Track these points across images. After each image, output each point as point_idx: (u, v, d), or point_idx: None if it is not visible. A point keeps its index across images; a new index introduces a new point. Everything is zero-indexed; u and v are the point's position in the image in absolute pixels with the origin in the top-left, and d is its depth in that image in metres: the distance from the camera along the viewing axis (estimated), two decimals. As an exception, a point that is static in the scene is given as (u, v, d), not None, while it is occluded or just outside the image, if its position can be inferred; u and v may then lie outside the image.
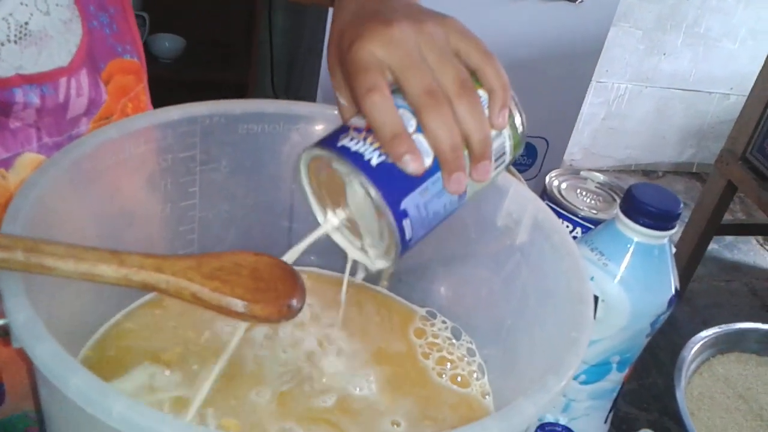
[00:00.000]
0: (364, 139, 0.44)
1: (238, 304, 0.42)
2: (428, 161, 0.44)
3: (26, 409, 0.66)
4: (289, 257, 0.48)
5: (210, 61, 2.25)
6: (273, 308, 0.44)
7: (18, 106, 0.57)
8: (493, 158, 0.47)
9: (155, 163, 0.54)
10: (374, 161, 0.43)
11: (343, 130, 0.46)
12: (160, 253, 0.42)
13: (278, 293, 0.45)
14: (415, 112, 0.44)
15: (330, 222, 0.49)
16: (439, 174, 0.45)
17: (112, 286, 0.41)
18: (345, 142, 0.44)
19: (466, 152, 0.45)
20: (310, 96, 1.96)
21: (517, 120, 0.48)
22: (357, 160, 0.43)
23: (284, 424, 0.50)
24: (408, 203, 0.44)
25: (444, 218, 0.47)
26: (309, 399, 0.52)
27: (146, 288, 0.41)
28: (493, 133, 0.46)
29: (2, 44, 0.55)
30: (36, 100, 0.58)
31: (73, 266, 0.39)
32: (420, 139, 0.44)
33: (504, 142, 0.48)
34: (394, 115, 0.44)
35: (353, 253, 0.50)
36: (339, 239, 0.50)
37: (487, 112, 0.46)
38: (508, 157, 0.49)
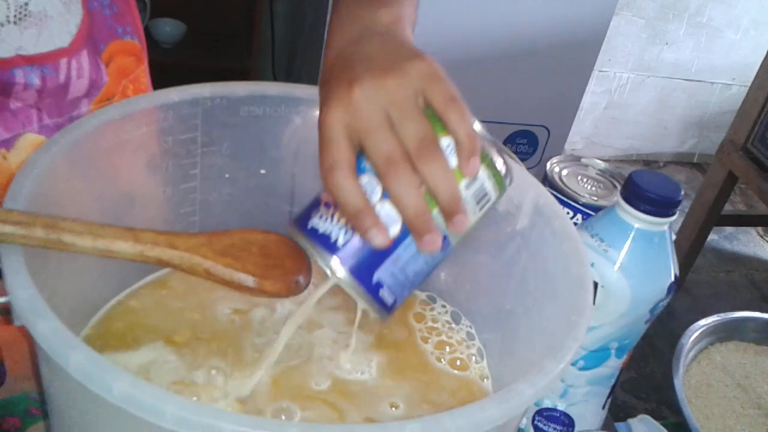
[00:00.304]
0: (332, 216, 0.45)
1: (249, 280, 0.44)
2: (396, 229, 0.44)
3: (27, 390, 0.67)
4: (303, 310, 0.49)
5: (211, 47, 2.25)
6: (282, 284, 0.46)
7: (18, 86, 0.57)
8: (473, 202, 0.46)
9: (156, 144, 0.54)
10: (341, 240, 0.44)
11: (315, 205, 0.46)
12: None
13: (286, 269, 0.46)
14: (380, 179, 0.44)
15: (336, 275, 0.48)
16: (410, 238, 0.45)
17: (125, 262, 0.42)
18: (314, 221, 0.45)
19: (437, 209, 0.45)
20: (310, 83, 1.96)
21: (497, 162, 0.47)
22: (325, 242, 0.44)
23: (281, 403, 0.50)
24: (381, 275, 0.45)
25: (430, 272, 0.47)
26: (306, 379, 0.53)
27: (160, 263, 0.42)
28: (467, 180, 0.46)
29: (2, 25, 0.55)
30: (37, 81, 0.58)
31: (91, 243, 0.40)
32: (387, 208, 0.44)
33: (483, 184, 0.46)
34: (356, 191, 0.44)
35: (361, 302, 0.50)
36: (348, 289, 0.51)
37: (454, 162, 0.45)
38: (493, 197, 0.48)
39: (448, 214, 0.45)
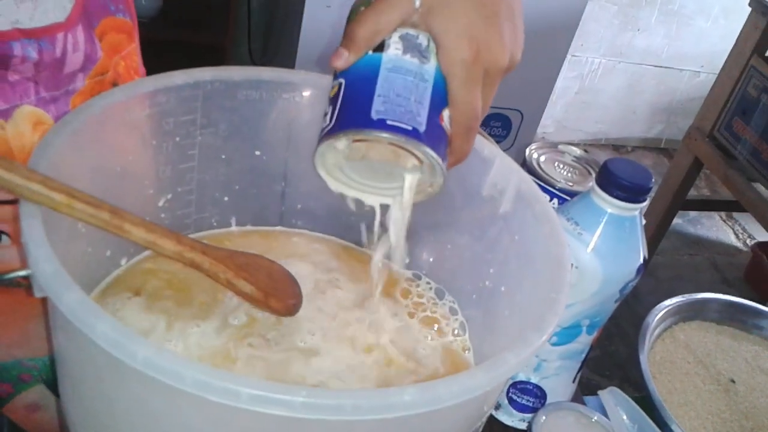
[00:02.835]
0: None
1: (260, 294, 0.50)
2: None
3: (18, 357, 0.68)
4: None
5: (187, 22, 2.23)
6: (282, 304, 0.52)
7: (16, 59, 0.58)
8: None
9: (158, 125, 0.56)
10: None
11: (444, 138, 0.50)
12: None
13: (286, 293, 0.53)
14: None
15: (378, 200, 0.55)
16: None
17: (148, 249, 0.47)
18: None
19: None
20: (287, 61, 1.97)
21: None
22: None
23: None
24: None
25: None
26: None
27: (192, 265, 0.47)
28: None
29: None
30: (34, 54, 0.59)
31: (144, 234, 0.45)
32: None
33: None
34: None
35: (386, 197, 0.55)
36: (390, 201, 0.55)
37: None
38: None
39: (455, 161, 0.52)
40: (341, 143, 0.49)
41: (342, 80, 0.50)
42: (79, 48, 0.62)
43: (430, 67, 0.49)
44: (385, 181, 0.54)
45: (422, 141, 0.47)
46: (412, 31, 0.49)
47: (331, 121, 0.49)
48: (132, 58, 0.73)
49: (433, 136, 0.48)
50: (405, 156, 0.50)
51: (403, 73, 0.48)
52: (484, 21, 0.48)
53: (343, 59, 0.49)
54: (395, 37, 0.49)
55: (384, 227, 0.54)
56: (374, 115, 0.47)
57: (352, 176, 0.54)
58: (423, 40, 0.49)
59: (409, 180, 0.51)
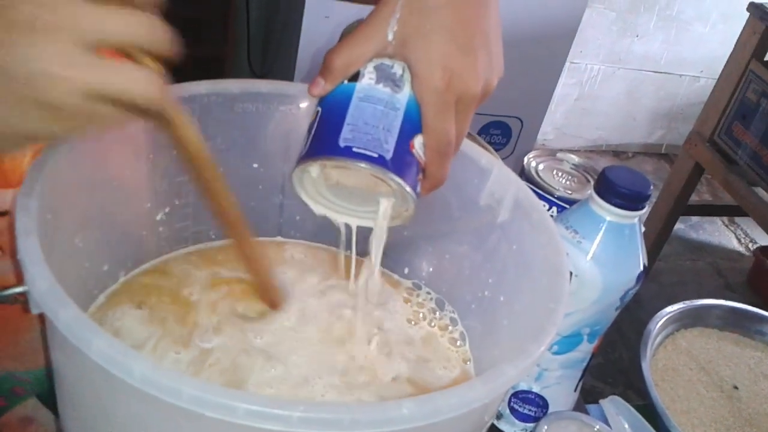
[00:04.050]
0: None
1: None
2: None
3: (11, 370, 0.68)
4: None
5: (185, 34, 2.24)
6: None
7: None
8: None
9: (154, 139, 0.56)
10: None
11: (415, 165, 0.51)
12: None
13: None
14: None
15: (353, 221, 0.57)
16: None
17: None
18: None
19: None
20: (286, 71, 1.97)
21: None
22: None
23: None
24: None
25: None
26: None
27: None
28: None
29: None
30: None
31: None
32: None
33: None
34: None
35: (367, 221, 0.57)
36: (368, 223, 0.56)
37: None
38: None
39: (431, 187, 0.54)
40: (313, 170, 0.52)
41: (319, 108, 0.52)
42: None
43: (403, 95, 0.50)
44: (363, 205, 0.55)
45: (387, 168, 0.49)
46: (387, 61, 0.51)
47: (304, 148, 0.51)
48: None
49: (401, 163, 0.49)
50: (379, 182, 0.51)
51: (373, 102, 0.50)
52: (458, 50, 0.50)
53: (320, 88, 0.52)
54: (370, 67, 0.51)
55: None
56: (342, 143, 0.49)
57: (333, 199, 0.55)
58: (398, 69, 0.51)
59: (384, 205, 0.53)
